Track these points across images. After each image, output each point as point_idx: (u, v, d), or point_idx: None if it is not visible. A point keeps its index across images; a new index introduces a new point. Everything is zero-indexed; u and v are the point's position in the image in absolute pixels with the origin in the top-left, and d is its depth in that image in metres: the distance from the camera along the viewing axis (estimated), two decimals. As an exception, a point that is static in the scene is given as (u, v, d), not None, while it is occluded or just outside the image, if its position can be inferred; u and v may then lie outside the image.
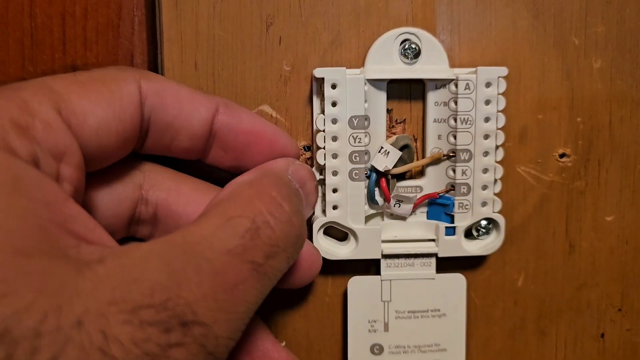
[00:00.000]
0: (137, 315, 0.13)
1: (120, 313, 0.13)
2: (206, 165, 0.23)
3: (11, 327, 0.12)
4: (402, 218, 0.26)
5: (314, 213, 0.25)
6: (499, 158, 0.25)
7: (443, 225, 0.26)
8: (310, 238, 0.25)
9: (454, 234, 0.26)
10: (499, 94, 0.24)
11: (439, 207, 0.26)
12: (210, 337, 0.14)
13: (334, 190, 0.25)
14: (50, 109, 0.16)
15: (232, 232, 0.17)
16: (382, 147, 0.25)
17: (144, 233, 0.22)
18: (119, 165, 0.21)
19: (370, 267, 0.27)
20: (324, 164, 0.24)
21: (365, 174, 0.25)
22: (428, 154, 0.26)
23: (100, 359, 0.12)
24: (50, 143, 0.16)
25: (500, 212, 0.26)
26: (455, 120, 0.25)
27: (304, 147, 0.26)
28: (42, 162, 0.16)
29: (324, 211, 0.25)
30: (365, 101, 0.24)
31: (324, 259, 0.25)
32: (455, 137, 0.25)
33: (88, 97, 0.18)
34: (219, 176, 0.24)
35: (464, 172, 0.25)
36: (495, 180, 0.25)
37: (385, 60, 0.25)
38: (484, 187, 0.25)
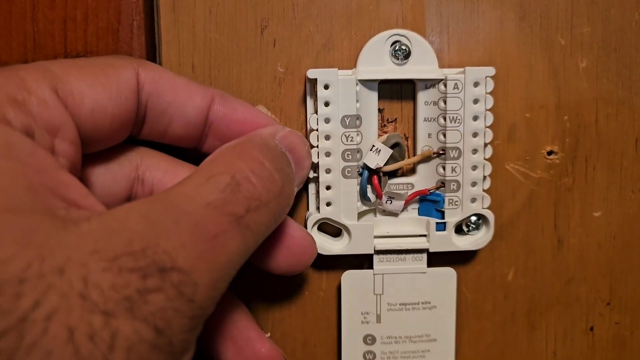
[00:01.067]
0: (116, 263, 0.14)
1: (100, 261, 0.13)
2: (203, 155, 0.24)
3: None
4: (394, 214, 0.27)
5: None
6: (488, 155, 0.26)
7: (434, 221, 0.26)
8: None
9: (444, 229, 0.26)
10: (486, 93, 0.25)
11: (429, 203, 0.27)
12: (189, 284, 0.15)
13: (328, 188, 0.25)
14: (47, 87, 0.17)
15: (212, 188, 0.17)
16: (373, 146, 0.26)
17: None
18: (117, 147, 0.22)
19: (363, 262, 0.27)
20: (318, 162, 0.25)
21: (358, 171, 0.26)
22: (419, 152, 0.27)
23: (81, 304, 0.13)
24: (45, 118, 0.17)
25: (489, 208, 0.26)
26: (445, 119, 0.25)
27: (298, 146, 0.26)
28: (36, 134, 0.16)
29: (317, 208, 0.26)
30: (357, 101, 0.25)
31: (318, 254, 0.26)
32: (444, 136, 0.26)
33: (85, 79, 0.18)
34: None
35: (453, 170, 0.26)
36: (484, 177, 0.26)
37: (377, 61, 0.26)
38: (473, 184, 0.26)
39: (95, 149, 0.20)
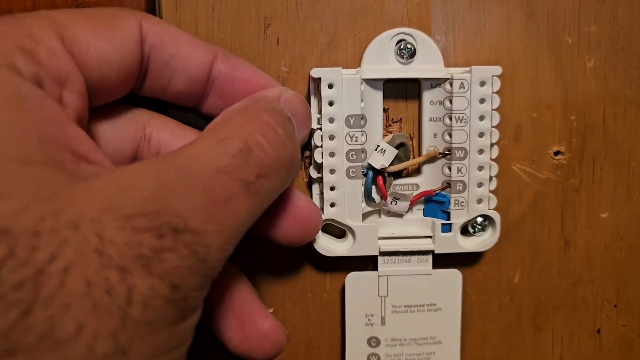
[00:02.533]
0: (130, 222, 0.14)
1: (114, 219, 0.14)
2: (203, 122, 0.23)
3: (10, 226, 0.12)
4: (399, 215, 0.27)
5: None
6: (494, 156, 0.26)
7: (439, 222, 0.26)
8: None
9: (450, 230, 0.26)
10: (493, 92, 0.25)
11: (435, 204, 0.26)
12: (202, 244, 0.15)
13: (332, 188, 0.25)
14: (54, 36, 0.17)
15: (223, 152, 0.17)
16: (378, 146, 0.25)
17: None
18: (124, 105, 0.22)
19: (367, 263, 0.27)
20: (322, 163, 0.25)
21: (362, 172, 0.25)
22: (424, 152, 0.26)
23: (97, 258, 0.13)
24: (53, 68, 0.16)
25: (495, 209, 0.26)
26: (451, 118, 0.25)
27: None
28: (45, 85, 0.16)
29: (322, 209, 0.26)
30: (362, 100, 0.25)
31: (322, 256, 0.26)
32: (450, 136, 0.25)
33: (91, 29, 0.18)
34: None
35: (459, 170, 0.25)
36: (491, 178, 0.26)
37: (381, 60, 0.25)
38: (479, 185, 0.26)
39: (99, 102, 0.20)
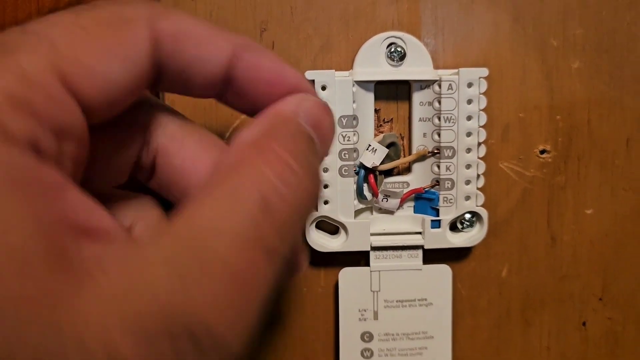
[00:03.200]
0: (144, 332, 0.12)
1: (125, 330, 0.12)
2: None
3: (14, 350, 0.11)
4: (390, 212, 0.27)
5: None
6: (482, 154, 0.26)
7: (429, 218, 0.27)
8: (303, 232, 0.27)
9: (439, 226, 0.27)
10: (480, 93, 0.26)
11: (424, 201, 0.27)
12: (222, 347, 0.13)
13: (325, 186, 0.26)
14: (51, 73, 0.14)
15: (240, 214, 0.14)
16: (370, 145, 0.26)
17: (144, 177, 0.20)
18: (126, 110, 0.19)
19: (360, 259, 0.28)
20: (315, 161, 0.26)
21: (354, 170, 0.26)
22: (414, 151, 0.27)
23: None
24: (51, 118, 0.14)
25: (483, 206, 0.27)
26: (439, 118, 0.26)
27: (296, 146, 0.27)
28: (42, 142, 0.14)
29: (315, 206, 0.26)
30: (354, 102, 0.26)
31: (316, 251, 0.27)
32: (439, 135, 0.26)
33: (94, 52, 0.15)
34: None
35: (447, 168, 0.26)
36: (478, 176, 0.27)
37: (373, 62, 0.26)
38: (467, 182, 0.27)
39: (101, 120, 0.17)
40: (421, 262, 0.27)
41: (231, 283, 0.14)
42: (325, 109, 0.19)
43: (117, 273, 0.13)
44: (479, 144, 0.26)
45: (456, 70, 0.26)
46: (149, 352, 0.12)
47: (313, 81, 0.25)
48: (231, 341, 0.13)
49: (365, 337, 0.28)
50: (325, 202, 0.26)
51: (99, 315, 0.12)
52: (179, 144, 0.20)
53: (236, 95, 0.19)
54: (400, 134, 0.28)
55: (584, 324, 0.30)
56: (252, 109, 0.19)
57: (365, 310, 0.28)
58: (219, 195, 0.15)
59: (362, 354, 0.28)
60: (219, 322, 0.13)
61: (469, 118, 0.26)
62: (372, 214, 0.28)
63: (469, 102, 0.26)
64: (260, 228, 0.14)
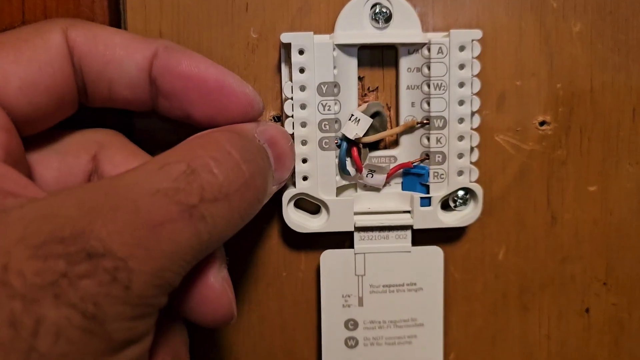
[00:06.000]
0: (42, 249, 0.13)
1: (26, 249, 0.13)
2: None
3: None
4: (376, 189, 0.25)
5: (291, 179, 0.24)
6: (475, 125, 0.24)
7: (418, 195, 0.25)
8: (280, 211, 0.24)
9: (429, 204, 0.25)
10: (473, 58, 0.24)
11: (413, 177, 0.25)
12: (123, 269, 0.14)
13: (304, 161, 0.24)
14: None
15: (163, 175, 0.16)
16: (352, 115, 0.24)
17: None
18: (74, 136, 0.21)
19: (343, 240, 0.26)
20: (293, 133, 0.23)
21: (336, 143, 0.24)
22: (401, 122, 0.25)
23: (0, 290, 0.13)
24: None
25: (477, 182, 0.25)
26: (429, 86, 0.24)
27: (273, 117, 0.25)
28: None
29: (293, 183, 0.24)
30: (335, 67, 0.23)
31: (295, 232, 0.25)
32: (428, 104, 0.24)
33: (7, 56, 0.17)
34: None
35: (438, 140, 0.24)
36: (472, 149, 0.24)
37: (355, 25, 0.24)
38: (460, 156, 0.24)
39: (41, 128, 0.19)
40: (410, 244, 0.25)
41: (140, 226, 0.14)
42: (284, 132, 0.22)
43: (30, 207, 0.14)
44: (473, 113, 0.24)
45: (447, 33, 0.24)
46: (46, 269, 0.13)
47: (289, 45, 0.23)
48: (135, 268, 0.14)
49: (349, 325, 0.26)
50: (304, 179, 0.24)
51: (5, 240, 0.13)
52: (123, 170, 0.20)
53: (164, 99, 0.20)
54: (387, 104, 0.25)
55: (586, 310, 0.27)
56: (185, 115, 0.21)
57: (349, 296, 0.25)
58: (148, 164, 0.16)
59: (346, 343, 0.26)
60: (121, 247, 0.14)
61: (461, 85, 0.24)
62: (356, 191, 0.25)
63: (461, 67, 0.24)
64: (180, 190, 0.16)
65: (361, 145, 0.24)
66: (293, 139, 0.23)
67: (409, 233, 0.25)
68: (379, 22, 0.24)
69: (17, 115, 0.17)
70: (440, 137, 0.24)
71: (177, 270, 0.16)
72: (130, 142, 0.22)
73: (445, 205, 0.25)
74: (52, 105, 0.18)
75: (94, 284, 0.13)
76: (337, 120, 0.24)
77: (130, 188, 0.15)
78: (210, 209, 0.16)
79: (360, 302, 0.26)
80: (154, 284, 0.15)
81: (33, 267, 0.13)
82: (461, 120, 0.24)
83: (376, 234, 0.25)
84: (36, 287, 0.13)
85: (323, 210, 0.25)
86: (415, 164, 0.25)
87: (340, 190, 0.25)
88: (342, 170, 0.24)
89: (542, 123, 0.26)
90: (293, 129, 0.23)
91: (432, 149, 0.24)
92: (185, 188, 0.16)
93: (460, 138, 0.24)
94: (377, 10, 0.24)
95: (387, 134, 0.25)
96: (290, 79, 0.23)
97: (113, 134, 0.22)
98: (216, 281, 0.18)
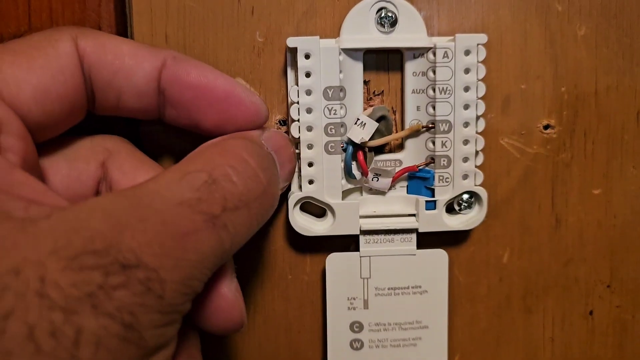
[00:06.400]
0: (77, 261, 0.13)
1: (60, 260, 0.13)
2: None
3: None
4: (381, 193, 0.25)
5: (291, 184, 0.24)
6: (480, 129, 0.24)
7: (423, 199, 0.25)
8: (286, 214, 0.25)
9: (434, 208, 0.25)
10: (478, 62, 0.24)
11: (419, 180, 0.25)
12: (156, 280, 0.14)
13: (310, 164, 0.24)
14: None
15: (186, 185, 0.16)
16: (358, 119, 0.24)
17: None
18: (83, 141, 0.21)
19: (349, 243, 0.26)
20: (299, 137, 0.24)
21: (342, 147, 0.24)
22: (407, 126, 0.25)
23: (39, 302, 0.13)
24: None
25: (482, 185, 0.25)
26: (434, 90, 0.24)
27: (279, 121, 0.25)
28: None
29: (299, 186, 0.24)
30: (341, 72, 0.23)
31: (301, 236, 0.25)
32: (434, 108, 0.24)
33: (20, 64, 0.17)
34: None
35: (443, 144, 0.24)
36: (477, 152, 0.25)
37: (361, 29, 0.24)
38: (465, 159, 0.24)
39: (51, 135, 0.19)
40: (415, 247, 0.25)
41: (168, 236, 0.15)
42: (287, 138, 0.22)
43: (58, 218, 0.14)
44: (478, 117, 0.24)
45: (452, 37, 0.24)
46: (82, 280, 0.13)
47: (295, 49, 0.23)
48: (166, 278, 0.15)
49: (354, 328, 0.26)
50: (310, 182, 0.24)
51: (37, 250, 0.13)
52: (131, 179, 0.21)
53: (172, 108, 0.21)
54: (392, 107, 0.25)
55: (590, 312, 0.28)
56: (194, 124, 0.21)
57: (354, 299, 0.26)
58: (170, 173, 0.17)
59: (351, 345, 0.26)
60: (152, 258, 0.14)
61: (467, 89, 0.24)
62: (361, 194, 0.26)
63: (467, 71, 0.24)
64: (203, 199, 0.16)
65: (367, 149, 0.24)
66: (299, 143, 0.24)
67: (414, 236, 0.25)
68: (384, 27, 0.24)
69: (30, 122, 0.17)
70: (446, 141, 0.24)
71: (202, 277, 0.16)
72: (137, 149, 0.22)
73: (450, 209, 0.25)
74: (64, 113, 0.18)
75: (129, 294, 0.14)
76: (342, 124, 0.24)
77: (155, 199, 0.15)
78: (232, 217, 0.17)
79: (366, 305, 0.26)
80: (183, 292, 0.15)
81: (68, 278, 0.13)
82: (466, 124, 0.24)
83: (381, 237, 0.25)
84: (74, 299, 0.13)
85: (329, 213, 0.25)
86: (420, 167, 0.25)
87: (345, 193, 0.25)
88: (348, 173, 0.24)
89: (546, 126, 0.26)
90: (299, 133, 0.23)
91: (437, 153, 0.24)
92: (208, 198, 0.16)
93: (465, 142, 0.24)
94: (383, 15, 0.24)
95: (392, 137, 0.25)
96: (296, 83, 0.24)
97: (121, 141, 0.22)
98: (229, 291, 0.19)
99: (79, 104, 0.19)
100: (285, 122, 0.25)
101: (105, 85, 0.20)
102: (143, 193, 0.16)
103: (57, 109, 0.18)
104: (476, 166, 0.25)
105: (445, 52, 0.24)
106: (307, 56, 0.23)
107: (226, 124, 0.21)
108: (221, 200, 0.17)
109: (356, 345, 0.26)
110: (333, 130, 0.24)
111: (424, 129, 0.25)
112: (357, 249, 0.25)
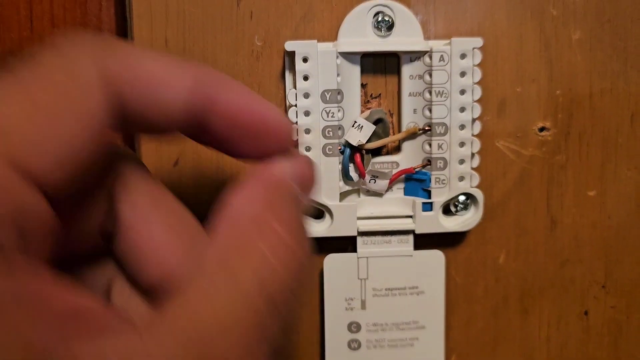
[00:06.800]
0: None
1: None
2: None
3: None
4: (379, 194, 0.26)
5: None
6: (476, 131, 0.25)
7: (420, 201, 0.25)
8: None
9: (431, 209, 0.25)
10: (474, 65, 0.24)
11: (415, 182, 0.25)
12: None
13: (308, 166, 0.24)
14: (3, 165, 0.13)
15: (243, 302, 0.14)
16: (355, 122, 0.24)
17: (106, 241, 0.18)
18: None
19: (346, 245, 0.26)
20: (297, 140, 0.24)
21: (339, 149, 0.24)
22: (403, 128, 0.25)
23: None
24: (8, 212, 0.13)
25: (478, 187, 0.25)
26: (430, 93, 0.24)
27: (277, 124, 0.25)
28: (6, 247, 0.13)
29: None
30: (338, 75, 0.24)
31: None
32: (430, 111, 0.24)
33: (44, 127, 0.14)
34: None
35: (440, 146, 0.25)
36: (473, 155, 0.25)
37: (358, 33, 0.24)
38: (461, 161, 0.25)
39: (68, 190, 0.16)
40: (412, 248, 0.26)
41: None
42: (311, 165, 0.19)
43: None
44: (474, 120, 0.24)
45: (448, 41, 0.24)
46: None
47: (293, 53, 0.23)
48: None
49: (352, 328, 0.26)
50: (308, 184, 0.24)
51: None
52: (144, 220, 0.18)
53: (203, 132, 0.18)
54: (389, 110, 0.26)
55: (585, 312, 0.28)
56: (221, 148, 0.18)
57: (352, 299, 0.26)
58: (217, 279, 0.14)
59: (349, 346, 0.26)
60: None
61: (463, 92, 0.24)
62: (359, 196, 0.26)
63: (462, 74, 0.24)
64: (264, 324, 0.14)
65: (364, 152, 0.25)
66: (297, 146, 0.24)
67: (411, 237, 0.26)
68: (381, 30, 0.24)
69: (53, 189, 0.15)
70: (442, 143, 0.25)
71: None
72: (150, 174, 0.19)
73: (446, 210, 0.26)
74: (89, 163, 0.16)
75: None
76: (340, 127, 0.24)
77: (216, 333, 0.14)
78: (283, 327, 0.15)
79: (363, 305, 0.26)
80: None
81: None
82: (462, 127, 0.24)
83: (379, 238, 0.25)
84: None
85: (326, 215, 0.25)
86: (417, 169, 0.25)
87: (343, 195, 0.25)
88: (346, 176, 0.25)
89: (541, 129, 0.26)
90: (297, 135, 0.24)
91: (433, 155, 0.25)
92: (268, 322, 0.14)
93: (462, 144, 0.25)
94: (380, 19, 0.24)
95: (389, 140, 0.25)
96: (294, 86, 0.24)
97: (132, 158, 0.19)
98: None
99: (102, 146, 0.16)
100: (284, 124, 0.25)
101: (134, 117, 0.16)
102: (199, 324, 0.14)
103: (81, 166, 0.15)
104: (472, 168, 0.25)
105: (442, 55, 0.24)
106: (305, 60, 0.23)
107: (256, 151, 0.18)
108: (279, 318, 0.15)
109: (354, 345, 0.26)
110: (331, 133, 0.24)
111: (421, 131, 0.25)
112: (354, 250, 0.26)
